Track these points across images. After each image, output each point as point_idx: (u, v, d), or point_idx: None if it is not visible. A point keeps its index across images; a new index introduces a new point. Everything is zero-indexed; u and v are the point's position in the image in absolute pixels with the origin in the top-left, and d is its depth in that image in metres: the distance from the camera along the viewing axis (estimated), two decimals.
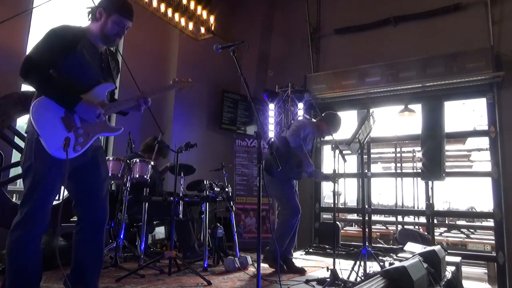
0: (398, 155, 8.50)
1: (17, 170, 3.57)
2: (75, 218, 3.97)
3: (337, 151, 3.09)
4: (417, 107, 5.68)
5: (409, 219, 8.32)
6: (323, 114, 3.67)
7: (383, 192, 10.77)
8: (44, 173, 1.83)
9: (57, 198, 3.93)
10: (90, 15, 2.03)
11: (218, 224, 3.75)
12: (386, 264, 3.20)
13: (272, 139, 3.83)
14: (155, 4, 4.51)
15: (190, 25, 4.98)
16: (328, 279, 2.90)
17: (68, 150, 1.81)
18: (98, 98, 1.95)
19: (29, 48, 3.87)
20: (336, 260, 3.03)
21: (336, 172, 3.09)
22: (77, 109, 1.84)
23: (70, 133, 1.85)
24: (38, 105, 1.81)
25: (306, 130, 3.51)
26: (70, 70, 1.88)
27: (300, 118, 5.21)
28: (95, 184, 2.03)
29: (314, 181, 5.81)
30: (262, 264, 2.09)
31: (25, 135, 1.94)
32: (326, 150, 5.99)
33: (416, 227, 7.26)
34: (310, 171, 3.52)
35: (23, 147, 3.42)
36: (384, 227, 7.99)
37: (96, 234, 2.03)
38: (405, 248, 4.13)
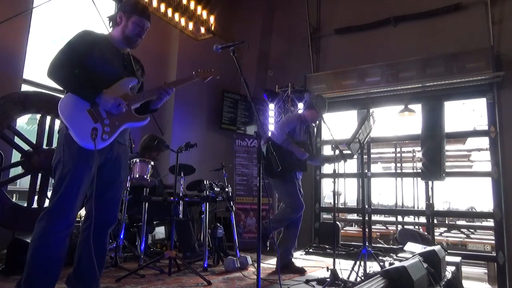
0: (398, 155, 8.50)
1: (17, 170, 3.57)
2: None
3: (337, 151, 3.09)
4: (417, 107, 5.68)
5: (409, 219, 8.31)
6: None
7: (383, 192, 10.78)
8: (72, 164, 1.91)
9: None
10: (110, 22, 2.20)
11: (218, 224, 3.75)
12: (386, 264, 3.20)
13: (269, 138, 3.81)
14: (155, 4, 4.51)
15: (190, 25, 4.98)
16: (328, 279, 2.90)
17: (96, 140, 1.90)
18: (121, 91, 2.06)
19: (29, 48, 3.91)
20: (336, 260, 3.03)
21: (336, 172, 3.09)
22: (98, 101, 1.95)
23: (97, 124, 1.95)
24: (65, 101, 1.94)
25: (291, 125, 3.60)
26: (93, 68, 2.02)
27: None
28: (113, 183, 2.09)
29: (314, 180, 5.82)
30: (262, 265, 2.09)
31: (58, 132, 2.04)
32: (326, 150, 5.99)
33: (416, 227, 7.25)
34: (306, 159, 3.54)
35: (22, 147, 3.46)
36: (384, 227, 7.98)
37: (102, 233, 2.06)
38: (405, 248, 4.13)
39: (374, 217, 7.16)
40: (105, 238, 2.09)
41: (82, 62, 1.99)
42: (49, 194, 3.82)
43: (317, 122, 4.10)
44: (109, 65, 2.09)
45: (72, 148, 1.91)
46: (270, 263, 3.94)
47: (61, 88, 3.98)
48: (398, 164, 8.47)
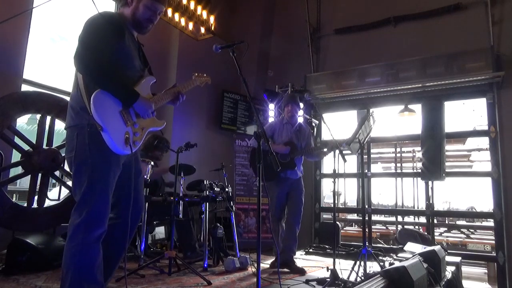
0: (398, 155, 8.50)
1: (17, 170, 3.56)
2: None
3: (337, 151, 3.09)
4: (417, 107, 5.68)
5: (409, 219, 8.31)
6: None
7: (383, 192, 10.78)
8: (104, 169, 1.77)
9: (56, 198, 3.95)
10: (120, 1, 1.97)
11: (218, 224, 3.75)
12: (386, 264, 3.20)
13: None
14: None
15: (190, 25, 4.97)
16: (328, 279, 2.90)
17: (131, 145, 1.78)
18: (145, 92, 1.93)
19: (29, 48, 3.91)
20: (336, 260, 3.03)
21: (336, 172, 3.09)
22: (135, 105, 1.82)
23: (128, 128, 1.81)
24: (99, 97, 1.71)
25: (268, 130, 3.75)
26: (119, 61, 1.83)
27: (300, 118, 5.21)
28: (135, 182, 1.98)
29: (314, 180, 5.82)
30: (262, 265, 2.09)
31: (69, 128, 1.84)
32: None
33: (416, 227, 7.26)
34: (288, 154, 3.64)
35: (22, 147, 3.46)
36: (384, 227, 7.99)
37: (124, 235, 1.96)
38: (405, 248, 4.13)
39: (374, 217, 7.17)
40: (127, 235, 1.95)
41: (115, 56, 1.80)
42: (49, 194, 3.82)
43: (317, 122, 4.13)
44: (133, 58, 1.92)
45: (101, 150, 1.74)
46: (270, 263, 3.94)
47: (61, 88, 3.94)
48: (398, 164, 8.48)
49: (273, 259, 3.80)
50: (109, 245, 1.89)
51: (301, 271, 3.40)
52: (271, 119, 5.49)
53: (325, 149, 3.68)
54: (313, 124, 5.66)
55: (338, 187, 6.03)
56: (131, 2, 1.92)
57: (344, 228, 8.00)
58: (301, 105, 5.18)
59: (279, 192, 3.67)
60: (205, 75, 2.41)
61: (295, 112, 3.80)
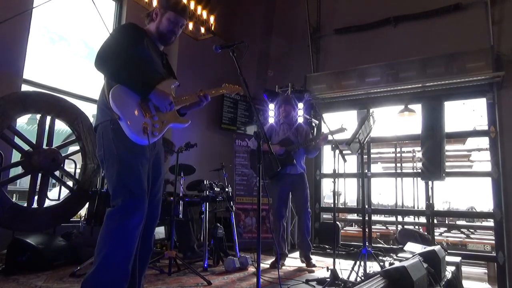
0: (398, 155, 8.50)
1: (17, 170, 3.57)
2: (75, 218, 3.99)
3: (337, 151, 3.09)
4: (417, 107, 5.67)
5: (409, 219, 8.30)
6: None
7: (383, 192, 10.76)
8: (131, 158, 1.86)
9: (56, 198, 3.95)
10: (147, 17, 2.16)
11: (218, 224, 3.76)
12: (386, 264, 3.20)
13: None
14: (155, 4, 4.50)
15: (190, 25, 4.97)
16: (328, 279, 2.90)
17: (149, 134, 1.86)
18: (167, 91, 2.02)
19: (29, 48, 3.90)
20: (336, 260, 3.04)
21: (336, 172, 3.09)
22: (151, 96, 1.91)
23: (146, 119, 1.90)
24: (117, 90, 1.84)
25: (267, 132, 3.89)
26: (141, 62, 1.97)
27: (300, 118, 5.21)
28: (157, 179, 2.08)
29: (314, 180, 5.82)
30: (262, 265, 2.09)
31: (96, 128, 1.96)
32: (326, 150, 5.98)
33: (416, 227, 7.25)
34: (283, 153, 3.72)
35: (22, 147, 3.46)
36: (384, 227, 7.98)
37: (151, 230, 2.05)
38: (405, 248, 4.13)
39: (374, 217, 7.17)
40: (153, 234, 2.08)
41: (133, 54, 1.93)
42: (49, 194, 3.83)
43: (317, 122, 4.17)
44: (154, 61, 2.05)
45: (125, 142, 1.85)
46: (270, 263, 3.94)
47: (61, 88, 3.97)
48: (398, 164, 8.47)
49: (273, 259, 3.81)
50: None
51: (313, 267, 3.61)
52: (271, 119, 5.48)
53: (322, 135, 3.76)
54: (313, 124, 5.66)
55: (338, 187, 6.03)
56: (155, 17, 2.11)
57: (344, 228, 8.00)
58: (300, 105, 5.22)
59: (280, 190, 3.75)
60: (236, 86, 2.51)
61: (288, 112, 3.94)
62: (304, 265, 3.72)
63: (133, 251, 1.83)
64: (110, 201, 1.87)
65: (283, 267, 3.72)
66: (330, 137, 3.52)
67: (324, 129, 3.62)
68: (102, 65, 1.86)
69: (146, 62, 2.00)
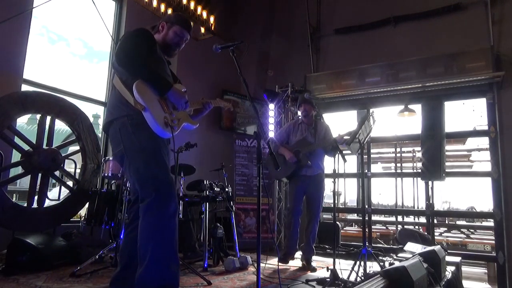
0: (398, 155, 8.50)
1: (17, 170, 3.57)
2: (75, 218, 3.98)
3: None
4: (417, 107, 5.68)
5: (409, 219, 8.32)
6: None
7: (383, 192, 10.78)
8: (156, 149, 1.93)
9: (56, 198, 3.95)
10: (151, 29, 2.25)
11: (218, 224, 3.76)
12: (386, 264, 3.20)
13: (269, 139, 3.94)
14: (155, 4, 4.51)
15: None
16: (328, 279, 2.90)
17: (172, 127, 1.95)
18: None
19: (29, 48, 3.90)
20: (336, 260, 3.04)
21: (336, 172, 3.09)
22: (169, 94, 1.99)
23: (166, 114, 1.98)
24: (141, 84, 1.91)
25: (284, 133, 3.95)
26: (155, 65, 2.05)
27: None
28: None
29: None
30: (262, 265, 2.09)
31: (110, 124, 2.01)
32: None
33: (416, 227, 7.26)
34: (295, 162, 3.72)
35: (22, 147, 3.46)
36: (384, 227, 7.98)
37: None
38: (405, 248, 4.13)
39: (374, 217, 7.16)
40: None
41: (152, 58, 2.03)
42: (49, 194, 3.82)
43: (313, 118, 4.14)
44: (166, 66, 2.17)
45: (146, 133, 1.91)
46: (270, 263, 3.94)
47: (61, 88, 3.98)
48: (398, 164, 8.47)
49: (275, 259, 3.82)
50: (133, 247, 1.96)
51: (314, 270, 3.60)
52: (271, 119, 5.50)
53: (339, 136, 3.51)
54: (318, 123, 5.66)
55: (338, 187, 6.02)
56: (162, 29, 2.22)
57: (344, 228, 8.00)
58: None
59: (296, 189, 3.80)
60: (230, 103, 2.68)
61: (308, 111, 3.88)
62: (304, 264, 3.75)
63: (177, 238, 1.88)
64: (140, 195, 1.89)
65: (283, 267, 3.71)
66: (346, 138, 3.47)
67: (341, 131, 3.57)
68: (126, 64, 1.92)
69: (161, 66, 2.11)
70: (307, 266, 3.68)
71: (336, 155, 3.13)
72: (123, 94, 1.98)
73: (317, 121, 4.02)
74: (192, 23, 2.36)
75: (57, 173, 3.75)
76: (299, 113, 3.97)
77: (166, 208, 1.83)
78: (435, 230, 5.41)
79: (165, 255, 1.81)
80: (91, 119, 3.98)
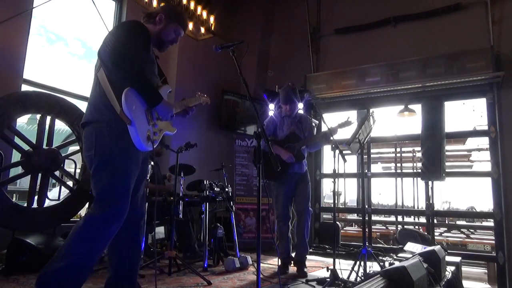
0: (398, 155, 8.50)
1: (17, 170, 3.57)
2: (75, 218, 3.98)
3: (337, 151, 3.09)
4: (417, 107, 5.67)
5: (409, 219, 8.31)
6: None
7: (383, 192, 10.77)
8: (127, 167, 1.85)
9: (56, 198, 3.95)
10: (147, 16, 2.12)
11: (218, 224, 3.76)
12: (386, 264, 3.20)
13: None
14: (155, 4, 4.51)
15: (190, 25, 4.97)
16: (328, 279, 2.90)
17: (152, 142, 1.89)
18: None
19: (29, 49, 3.91)
20: (336, 260, 3.04)
21: (336, 172, 3.09)
22: (158, 107, 1.93)
23: (149, 127, 1.92)
24: (130, 95, 1.81)
25: (270, 126, 3.74)
26: (143, 66, 1.93)
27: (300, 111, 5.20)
28: (143, 180, 2.08)
29: (314, 180, 5.82)
30: (262, 265, 2.10)
31: (88, 125, 1.90)
32: (326, 150, 5.99)
33: (416, 227, 7.25)
34: (293, 161, 3.51)
35: (22, 147, 3.46)
36: (384, 227, 7.98)
37: (137, 229, 2.04)
38: (405, 248, 4.13)
39: (374, 217, 7.16)
40: (141, 232, 2.07)
41: (144, 59, 1.93)
42: (49, 194, 3.82)
43: (317, 122, 4.12)
44: (154, 66, 2.07)
45: (123, 147, 1.83)
46: (270, 263, 3.94)
47: (61, 88, 3.97)
48: (398, 164, 8.47)
49: (275, 259, 3.81)
50: (123, 250, 1.96)
51: (305, 276, 3.33)
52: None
53: (330, 128, 3.42)
54: (313, 124, 5.66)
55: (338, 187, 6.03)
56: (159, 23, 2.09)
57: (344, 228, 8.00)
58: (300, 105, 5.18)
59: (286, 190, 3.56)
60: (205, 95, 2.53)
61: (293, 109, 3.73)
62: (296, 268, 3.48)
63: (100, 254, 1.86)
64: (93, 203, 1.83)
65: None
66: (339, 130, 3.41)
67: (332, 123, 3.47)
68: (119, 66, 1.80)
69: (150, 68, 2.02)
70: (298, 270, 3.42)
71: (336, 155, 3.11)
72: (109, 96, 1.86)
73: (301, 114, 3.87)
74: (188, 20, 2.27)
75: (57, 173, 3.75)
76: (285, 108, 3.74)
77: (109, 227, 1.78)
78: (435, 230, 5.41)
79: (86, 268, 1.77)
80: None
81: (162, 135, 2.03)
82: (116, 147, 1.83)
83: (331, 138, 3.35)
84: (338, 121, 3.37)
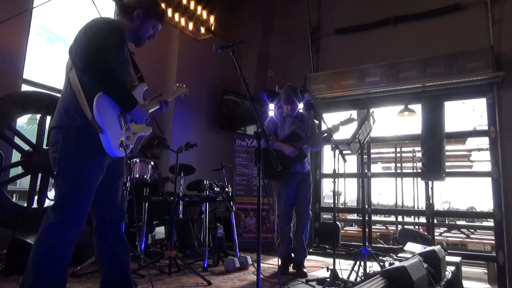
0: (398, 155, 8.50)
1: (17, 170, 3.57)
2: None
3: (337, 151, 3.09)
4: (417, 107, 5.67)
5: (409, 219, 8.31)
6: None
7: (383, 192, 10.79)
8: (89, 174, 1.79)
9: None
10: (122, 9, 2.03)
11: (218, 224, 3.76)
12: (386, 264, 3.20)
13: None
14: None
15: (190, 25, 4.98)
16: (328, 279, 2.90)
17: (125, 148, 1.84)
18: (138, 99, 1.96)
19: (29, 48, 3.91)
20: (336, 260, 3.04)
21: (336, 172, 3.09)
22: (133, 112, 1.87)
23: (123, 132, 1.87)
24: (102, 101, 1.75)
25: (271, 125, 3.70)
26: (118, 68, 1.86)
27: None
28: (119, 180, 2.02)
29: (314, 180, 5.81)
30: (262, 265, 2.10)
31: (57, 128, 1.82)
32: (326, 150, 5.99)
33: (416, 227, 7.25)
34: (295, 155, 3.48)
35: (22, 147, 3.46)
36: (384, 227, 7.98)
37: (118, 229, 2.00)
38: (405, 248, 4.13)
39: (374, 217, 7.17)
40: (122, 231, 2.03)
41: (117, 60, 1.85)
42: (49, 194, 3.82)
43: (317, 122, 4.10)
44: (129, 65, 2.00)
45: (87, 154, 1.77)
46: (270, 263, 3.94)
47: (61, 88, 3.99)
48: (398, 164, 8.47)
49: (275, 259, 3.81)
50: (113, 254, 1.94)
51: (305, 276, 3.33)
52: None
53: (333, 126, 3.39)
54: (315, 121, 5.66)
55: (338, 187, 6.03)
56: (136, 19, 1.99)
57: (344, 228, 8.00)
58: (300, 105, 5.17)
59: (288, 191, 3.51)
60: (184, 86, 2.49)
61: (294, 109, 3.70)
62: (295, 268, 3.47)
63: (68, 263, 1.77)
64: (52, 207, 1.79)
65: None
66: (341, 128, 3.38)
67: (334, 121, 3.43)
68: (90, 70, 1.73)
69: (124, 67, 1.94)
70: (297, 271, 3.41)
71: (336, 155, 3.10)
72: (80, 101, 1.77)
73: (301, 112, 3.84)
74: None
75: None
76: (286, 109, 3.71)
77: (68, 233, 1.74)
78: (435, 230, 5.41)
79: (55, 279, 1.71)
80: None
81: (137, 137, 1.98)
82: (82, 155, 1.77)
83: (332, 138, 3.34)
84: (341, 119, 3.35)
